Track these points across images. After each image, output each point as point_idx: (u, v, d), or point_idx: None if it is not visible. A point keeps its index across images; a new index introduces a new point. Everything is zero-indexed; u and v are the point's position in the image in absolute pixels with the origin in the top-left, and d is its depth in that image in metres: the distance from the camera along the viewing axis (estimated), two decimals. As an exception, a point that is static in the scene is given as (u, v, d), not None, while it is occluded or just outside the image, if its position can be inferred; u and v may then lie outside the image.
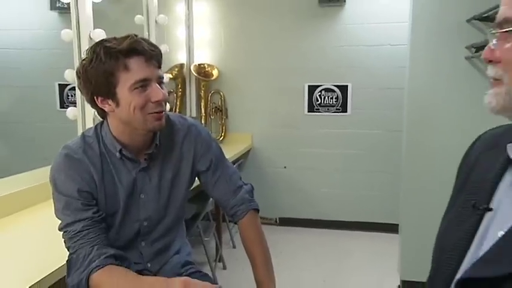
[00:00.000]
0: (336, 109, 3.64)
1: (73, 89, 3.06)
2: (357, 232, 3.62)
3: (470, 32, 2.27)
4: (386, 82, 3.48)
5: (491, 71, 0.65)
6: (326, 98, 3.64)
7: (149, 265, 1.29)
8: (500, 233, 0.63)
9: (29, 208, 1.88)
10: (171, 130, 1.27)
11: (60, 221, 1.14)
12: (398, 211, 2.76)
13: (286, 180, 3.80)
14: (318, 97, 3.66)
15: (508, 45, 0.62)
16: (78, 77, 1.12)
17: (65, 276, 1.22)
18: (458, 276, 0.67)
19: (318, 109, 3.67)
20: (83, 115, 2.19)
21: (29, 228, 1.69)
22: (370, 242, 3.45)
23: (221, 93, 3.80)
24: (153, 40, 2.72)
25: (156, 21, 2.91)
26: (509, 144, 0.67)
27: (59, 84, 3.33)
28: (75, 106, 2.19)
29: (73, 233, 1.11)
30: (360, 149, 3.64)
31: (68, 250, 1.13)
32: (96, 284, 1.06)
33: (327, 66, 3.60)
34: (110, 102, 1.11)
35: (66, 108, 2.18)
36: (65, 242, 1.14)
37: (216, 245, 3.03)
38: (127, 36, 1.08)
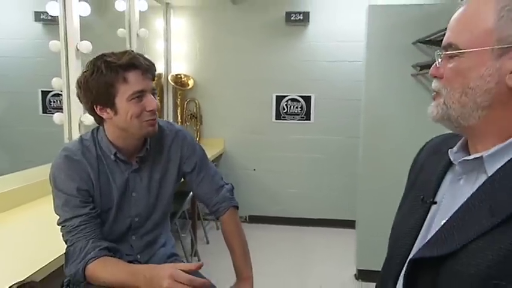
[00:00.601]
0: (301, 117, 3.75)
1: (56, 95, 3.01)
2: (319, 228, 3.72)
3: (415, 53, 2.43)
4: (345, 94, 3.61)
5: (434, 84, 0.75)
6: (292, 107, 3.74)
7: (139, 256, 1.32)
8: (443, 222, 0.71)
9: (14, 208, 1.84)
10: (160, 135, 1.30)
11: (58, 216, 1.16)
12: (355, 209, 2.86)
13: (256, 181, 3.86)
14: (285, 106, 3.75)
15: (450, 65, 0.71)
16: (79, 87, 1.14)
17: (53, 272, 1.24)
18: (410, 256, 0.75)
19: (285, 117, 3.77)
20: (69, 120, 2.17)
21: (17, 227, 1.66)
22: (330, 237, 3.55)
23: (196, 102, 3.82)
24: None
25: (137, 35, 2.92)
26: (450, 150, 0.77)
27: (42, 91, 3.26)
28: (57, 112, 2.16)
29: (71, 227, 1.13)
30: (322, 153, 3.75)
31: (66, 243, 1.15)
32: (91, 273, 1.09)
33: (292, 79, 3.70)
34: (109, 110, 1.14)
35: (49, 113, 2.14)
36: (63, 235, 1.16)
37: (192, 240, 3.03)
38: (125, 52, 1.11)
